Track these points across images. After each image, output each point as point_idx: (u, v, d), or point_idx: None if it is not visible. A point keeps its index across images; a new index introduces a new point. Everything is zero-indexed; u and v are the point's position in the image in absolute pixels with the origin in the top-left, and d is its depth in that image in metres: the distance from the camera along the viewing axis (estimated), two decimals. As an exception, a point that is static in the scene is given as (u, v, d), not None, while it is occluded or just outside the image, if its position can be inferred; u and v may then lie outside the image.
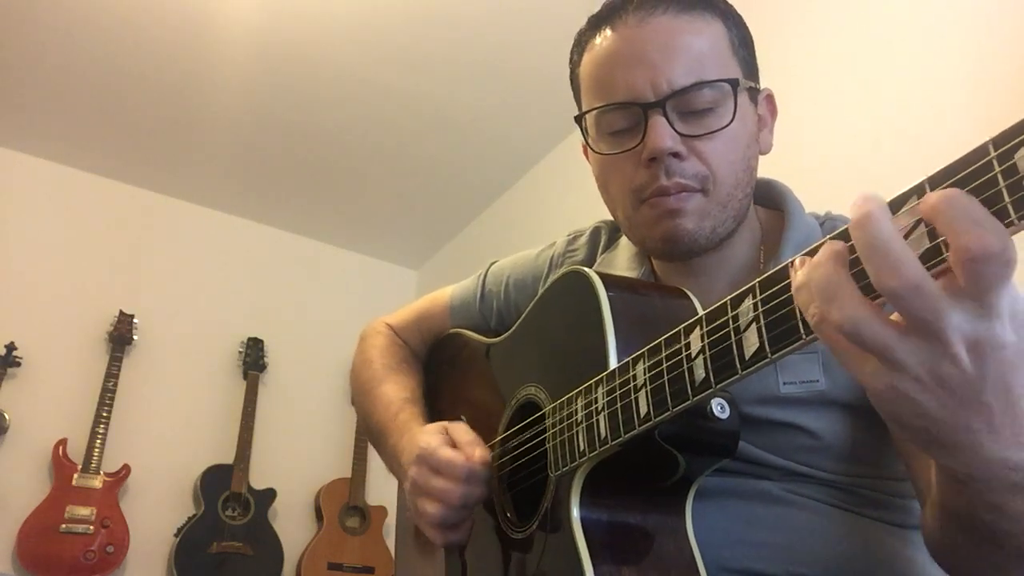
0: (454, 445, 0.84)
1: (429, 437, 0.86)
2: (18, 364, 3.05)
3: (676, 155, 0.81)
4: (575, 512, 0.72)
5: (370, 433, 1.10)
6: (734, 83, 0.83)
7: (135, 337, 3.28)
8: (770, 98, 0.93)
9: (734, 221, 0.86)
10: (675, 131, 0.81)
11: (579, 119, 0.90)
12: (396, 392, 1.06)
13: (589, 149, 0.91)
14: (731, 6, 0.90)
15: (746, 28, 0.90)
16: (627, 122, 0.84)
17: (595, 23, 0.89)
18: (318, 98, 3.01)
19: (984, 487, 0.52)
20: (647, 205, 0.84)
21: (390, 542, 3.28)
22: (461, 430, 0.87)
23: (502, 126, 3.12)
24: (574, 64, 0.94)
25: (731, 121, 0.82)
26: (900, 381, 0.46)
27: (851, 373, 0.49)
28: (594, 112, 0.87)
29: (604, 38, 0.86)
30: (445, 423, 0.89)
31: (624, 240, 1.02)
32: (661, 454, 0.69)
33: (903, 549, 0.79)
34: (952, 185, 0.44)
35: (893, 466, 0.81)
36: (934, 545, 0.70)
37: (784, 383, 0.79)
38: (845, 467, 0.80)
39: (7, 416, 2.97)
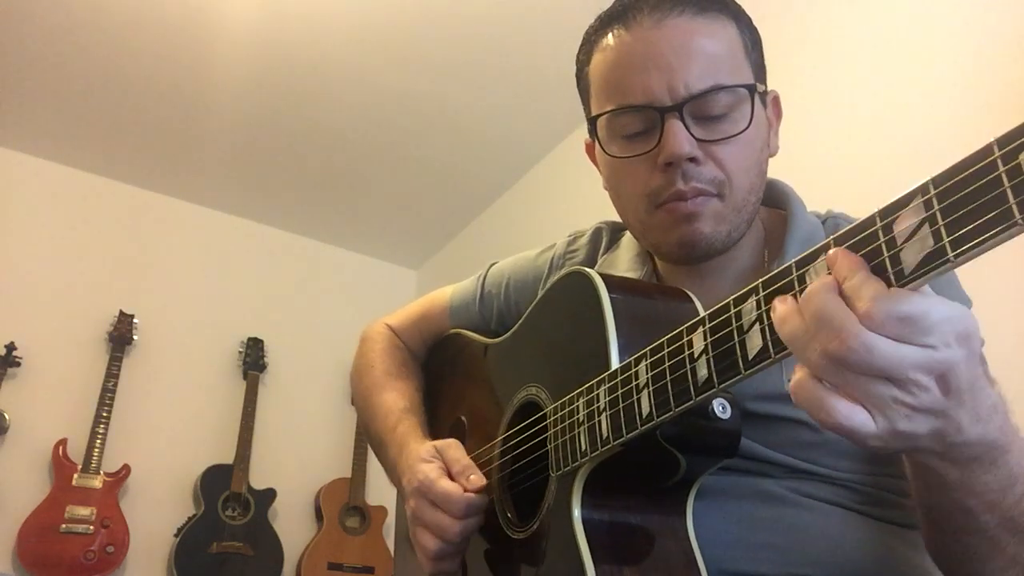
0: (451, 472, 0.85)
1: (427, 468, 0.86)
2: (18, 364, 3.04)
3: (693, 160, 0.80)
4: (576, 512, 0.72)
5: (370, 441, 1.11)
6: (751, 88, 0.83)
7: (135, 337, 3.28)
8: (776, 100, 0.92)
9: (747, 225, 0.86)
10: (692, 136, 0.80)
11: (593, 121, 0.89)
12: (395, 401, 1.06)
13: (601, 151, 0.89)
14: (742, 8, 0.89)
15: (757, 31, 0.89)
16: (642, 125, 0.83)
17: (606, 22, 0.88)
18: (318, 98, 3.01)
19: (952, 469, 0.58)
20: (663, 210, 0.83)
21: (390, 542, 3.28)
22: (455, 454, 0.87)
23: (502, 126, 3.12)
24: (582, 63, 0.92)
25: (748, 126, 0.82)
26: (896, 417, 0.50)
27: (841, 428, 0.51)
28: (607, 114, 0.85)
29: (618, 38, 0.85)
30: (439, 445, 0.89)
31: (626, 241, 1.01)
32: (662, 454, 0.69)
33: (905, 550, 0.78)
34: (957, 184, 0.44)
35: (897, 464, 0.81)
36: (928, 547, 0.72)
37: (788, 378, 0.78)
38: (848, 464, 0.79)
39: (7, 416, 2.97)
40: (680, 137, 0.79)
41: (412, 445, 0.94)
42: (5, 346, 3.03)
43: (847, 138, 1.95)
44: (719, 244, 0.84)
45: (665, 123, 0.80)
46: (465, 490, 0.82)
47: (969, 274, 0.85)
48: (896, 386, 0.49)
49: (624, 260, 0.98)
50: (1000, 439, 0.57)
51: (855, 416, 0.50)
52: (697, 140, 0.81)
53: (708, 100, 0.81)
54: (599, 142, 0.88)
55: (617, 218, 0.96)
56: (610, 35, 0.86)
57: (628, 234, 1.01)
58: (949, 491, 0.60)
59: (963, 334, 0.50)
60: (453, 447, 0.88)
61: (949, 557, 0.70)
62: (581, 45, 0.92)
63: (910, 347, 0.48)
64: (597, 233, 1.07)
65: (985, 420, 0.55)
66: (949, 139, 1.65)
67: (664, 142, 0.80)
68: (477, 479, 0.83)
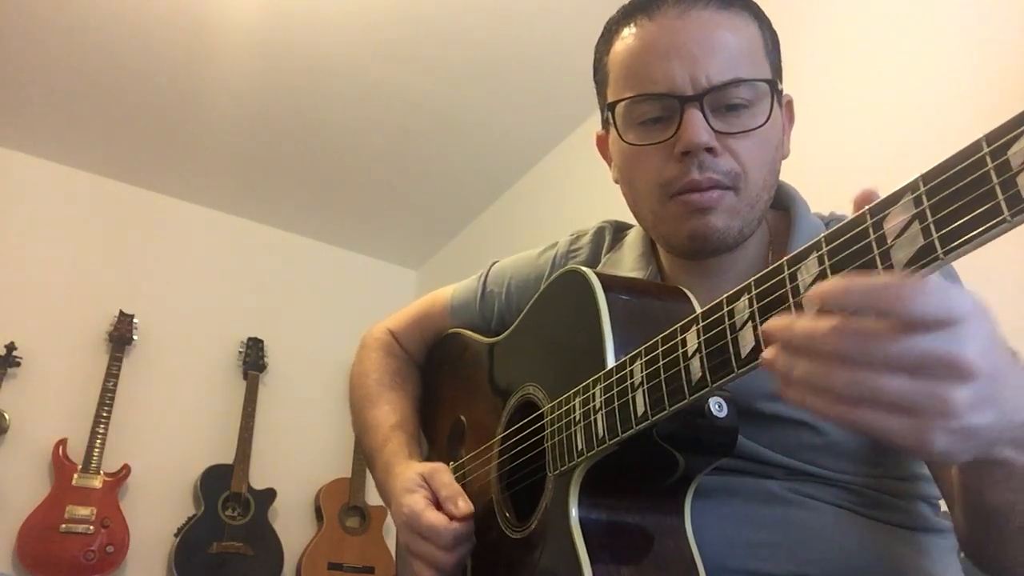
0: (437, 501, 0.85)
1: (412, 500, 0.86)
2: (18, 364, 3.05)
3: (710, 150, 0.80)
4: (574, 512, 0.72)
5: (363, 455, 1.11)
6: (772, 83, 0.83)
7: (135, 337, 3.28)
8: (790, 104, 0.93)
9: (757, 223, 0.86)
10: (711, 127, 0.80)
11: (611, 107, 0.88)
12: (386, 416, 1.06)
13: (616, 139, 0.88)
14: (763, 10, 0.89)
15: (775, 33, 0.90)
16: (661, 114, 0.83)
17: (629, 12, 0.88)
18: (318, 98, 3.01)
19: (1020, 454, 0.54)
20: (676, 201, 0.82)
21: (390, 542, 3.28)
22: (441, 480, 0.87)
23: (502, 126, 3.12)
24: (601, 52, 0.92)
25: (766, 121, 0.82)
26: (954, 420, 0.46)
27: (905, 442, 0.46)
28: (625, 102, 0.85)
29: (641, 27, 0.85)
30: (425, 472, 0.89)
31: (630, 240, 1.01)
32: (659, 453, 0.69)
33: (905, 551, 0.78)
34: (947, 180, 0.44)
35: (899, 466, 0.81)
36: (969, 547, 0.71)
37: None
38: (850, 466, 0.79)
39: (7, 416, 2.97)
40: (699, 127, 0.79)
41: (398, 470, 0.94)
42: (5, 346, 3.03)
43: (846, 138, 1.95)
44: (730, 240, 0.83)
45: (684, 112, 0.80)
46: (452, 517, 0.83)
47: (969, 275, 0.85)
48: (950, 383, 0.45)
49: (628, 260, 0.98)
50: None
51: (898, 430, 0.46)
52: (715, 132, 0.80)
53: (728, 92, 0.81)
54: (616, 129, 0.88)
55: (620, 215, 0.96)
56: (633, 25, 0.86)
57: (632, 234, 1.01)
58: (1014, 482, 0.58)
59: (981, 306, 0.47)
60: (440, 472, 0.88)
61: (1013, 564, 0.67)
62: (601, 35, 0.92)
63: (946, 334, 0.45)
64: (600, 232, 1.06)
65: None
66: (948, 140, 1.65)
67: (682, 131, 0.80)
68: (464, 506, 0.83)
